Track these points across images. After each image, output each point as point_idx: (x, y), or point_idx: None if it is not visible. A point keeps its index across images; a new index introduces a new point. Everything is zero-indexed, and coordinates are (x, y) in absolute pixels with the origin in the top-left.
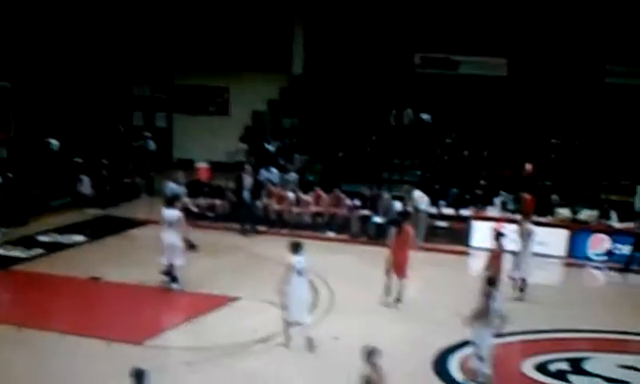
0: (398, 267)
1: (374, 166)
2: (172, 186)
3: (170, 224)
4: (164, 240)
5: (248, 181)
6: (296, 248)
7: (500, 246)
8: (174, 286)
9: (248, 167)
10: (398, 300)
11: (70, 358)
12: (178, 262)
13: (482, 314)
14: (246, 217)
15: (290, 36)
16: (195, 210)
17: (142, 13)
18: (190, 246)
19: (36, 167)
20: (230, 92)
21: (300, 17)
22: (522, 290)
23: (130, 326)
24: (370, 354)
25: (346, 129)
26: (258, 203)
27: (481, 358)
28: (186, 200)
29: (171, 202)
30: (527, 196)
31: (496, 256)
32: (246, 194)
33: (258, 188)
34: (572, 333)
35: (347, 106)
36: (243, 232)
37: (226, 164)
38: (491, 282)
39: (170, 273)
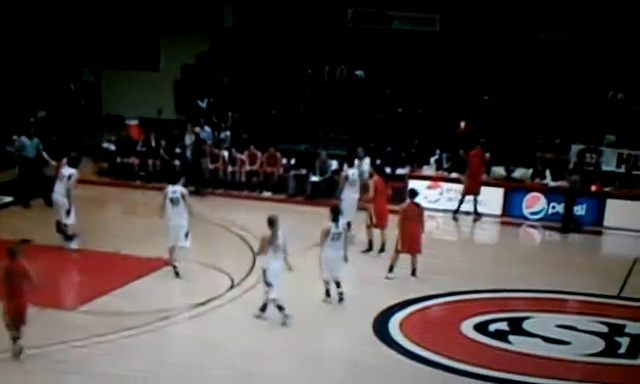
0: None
1: (309, 123)
2: None
3: (61, 180)
4: (54, 197)
5: (189, 139)
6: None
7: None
8: (70, 244)
9: (189, 125)
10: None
11: None
12: (67, 220)
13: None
14: (190, 177)
15: None
16: None
17: None
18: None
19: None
20: (160, 46)
21: None
22: None
23: (62, 291)
24: (271, 222)
25: (279, 85)
26: (202, 162)
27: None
28: None
29: (73, 160)
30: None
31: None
32: (188, 154)
33: (200, 146)
34: (511, 292)
35: (279, 61)
36: (197, 193)
37: (156, 120)
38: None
39: (62, 231)
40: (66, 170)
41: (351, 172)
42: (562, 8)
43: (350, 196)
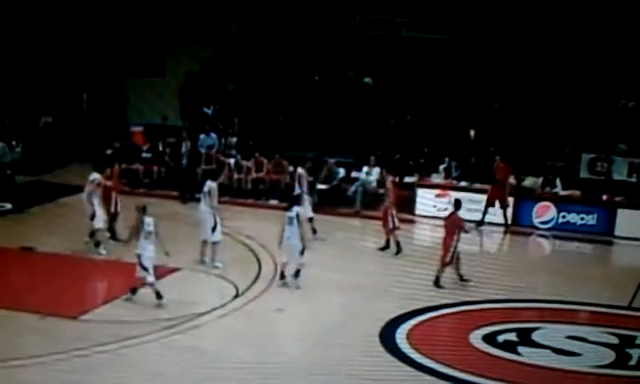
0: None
1: (316, 130)
2: None
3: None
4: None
5: (185, 146)
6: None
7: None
8: (98, 250)
9: (185, 133)
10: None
11: (0, 333)
12: (93, 225)
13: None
14: (185, 184)
15: None
16: None
17: None
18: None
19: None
20: (167, 52)
21: None
22: None
23: (64, 299)
24: (140, 209)
25: (286, 92)
26: (198, 170)
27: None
28: None
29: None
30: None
31: None
32: (184, 161)
33: (196, 154)
34: (520, 303)
35: (286, 67)
36: (182, 200)
37: (161, 127)
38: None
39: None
40: (90, 175)
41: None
42: (573, 15)
43: None
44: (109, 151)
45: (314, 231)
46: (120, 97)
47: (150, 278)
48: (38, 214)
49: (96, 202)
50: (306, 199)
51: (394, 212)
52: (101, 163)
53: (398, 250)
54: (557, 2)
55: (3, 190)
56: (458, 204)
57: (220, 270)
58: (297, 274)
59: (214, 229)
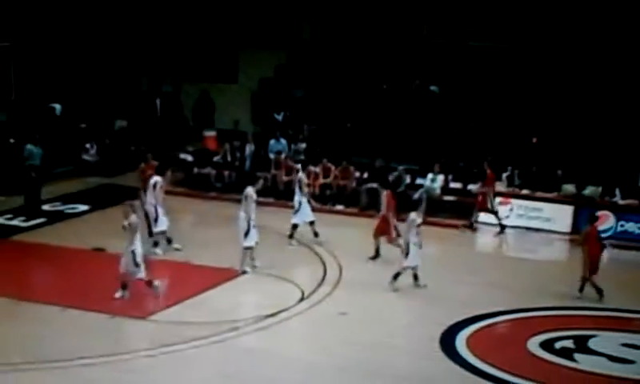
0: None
1: (383, 137)
2: None
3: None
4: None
5: (249, 150)
6: None
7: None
8: (155, 250)
9: (250, 136)
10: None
11: (70, 332)
12: (154, 228)
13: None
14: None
15: (299, 1)
16: None
17: None
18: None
19: (38, 133)
20: (239, 58)
21: None
22: None
23: (134, 299)
24: (131, 207)
25: (354, 99)
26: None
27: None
28: None
29: (159, 168)
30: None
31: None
32: (247, 164)
33: (260, 158)
34: (578, 310)
35: (354, 75)
36: None
37: (233, 131)
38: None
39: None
40: (153, 179)
41: None
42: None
43: None
44: (182, 155)
45: (316, 234)
46: (206, 102)
47: (142, 274)
48: (110, 216)
49: (159, 204)
50: (306, 203)
51: (395, 222)
52: (163, 167)
53: (376, 256)
54: (623, 11)
55: (25, 193)
56: (593, 218)
57: (249, 273)
58: (397, 276)
59: (246, 234)
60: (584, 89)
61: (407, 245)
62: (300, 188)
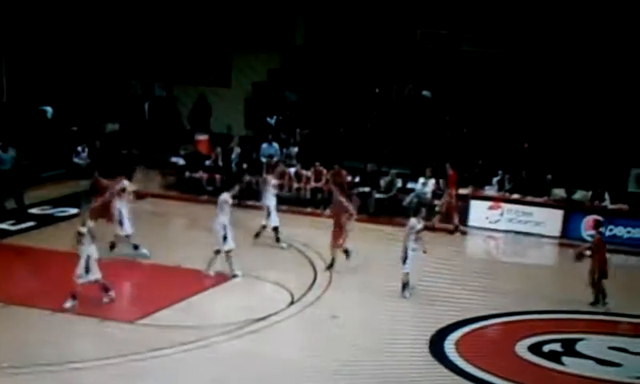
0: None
1: (375, 142)
2: None
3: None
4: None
5: (235, 153)
6: None
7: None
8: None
9: (236, 139)
10: None
11: (60, 336)
12: (123, 231)
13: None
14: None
15: (293, 6)
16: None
17: None
18: None
19: (29, 136)
20: (232, 62)
21: None
22: None
23: (123, 303)
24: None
25: (347, 103)
26: (247, 176)
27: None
28: None
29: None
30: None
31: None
32: (233, 166)
33: (246, 160)
34: (565, 314)
35: (348, 79)
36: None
37: (226, 135)
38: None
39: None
40: (121, 183)
41: None
42: (627, 30)
43: None
44: (173, 159)
45: (278, 240)
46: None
47: (96, 276)
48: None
49: (125, 208)
50: (273, 208)
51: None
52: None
53: (331, 265)
54: (612, 17)
55: None
56: (598, 224)
57: (239, 278)
58: (404, 287)
59: (225, 238)
60: (574, 94)
61: (405, 250)
62: (266, 190)
